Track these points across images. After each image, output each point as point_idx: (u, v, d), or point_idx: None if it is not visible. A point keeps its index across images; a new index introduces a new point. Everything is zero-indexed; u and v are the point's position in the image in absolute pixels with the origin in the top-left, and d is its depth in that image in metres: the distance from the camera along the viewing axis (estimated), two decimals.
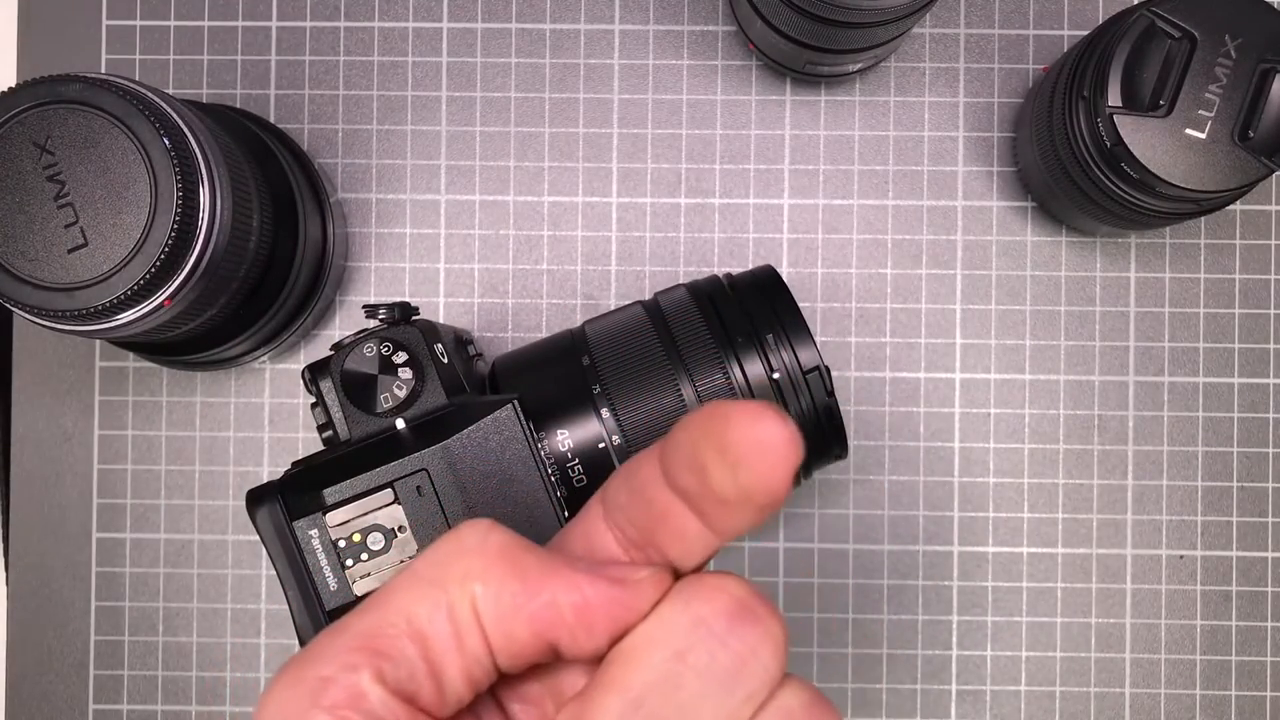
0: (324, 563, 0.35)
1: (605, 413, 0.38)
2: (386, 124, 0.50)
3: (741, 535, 0.23)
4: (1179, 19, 0.39)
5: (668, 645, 0.21)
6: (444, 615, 0.22)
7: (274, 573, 0.42)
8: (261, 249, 0.42)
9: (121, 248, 0.36)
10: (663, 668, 0.21)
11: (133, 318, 0.37)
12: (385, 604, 0.22)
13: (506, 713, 0.24)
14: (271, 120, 0.49)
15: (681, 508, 0.22)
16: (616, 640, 0.22)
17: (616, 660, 0.22)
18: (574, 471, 0.38)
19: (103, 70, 0.50)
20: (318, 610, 0.35)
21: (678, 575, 0.23)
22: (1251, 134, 0.39)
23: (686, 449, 0.21)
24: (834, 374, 0.49)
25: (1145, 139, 0.40)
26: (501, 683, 0.24)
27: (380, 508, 0.35)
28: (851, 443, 0.48)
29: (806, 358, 0.39)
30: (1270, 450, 0.49)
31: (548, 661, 0.23)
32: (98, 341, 0.50)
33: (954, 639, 0.49)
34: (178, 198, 0.35)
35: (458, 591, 0.22)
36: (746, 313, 0.39)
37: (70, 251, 0.36)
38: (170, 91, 0.48)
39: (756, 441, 0.20)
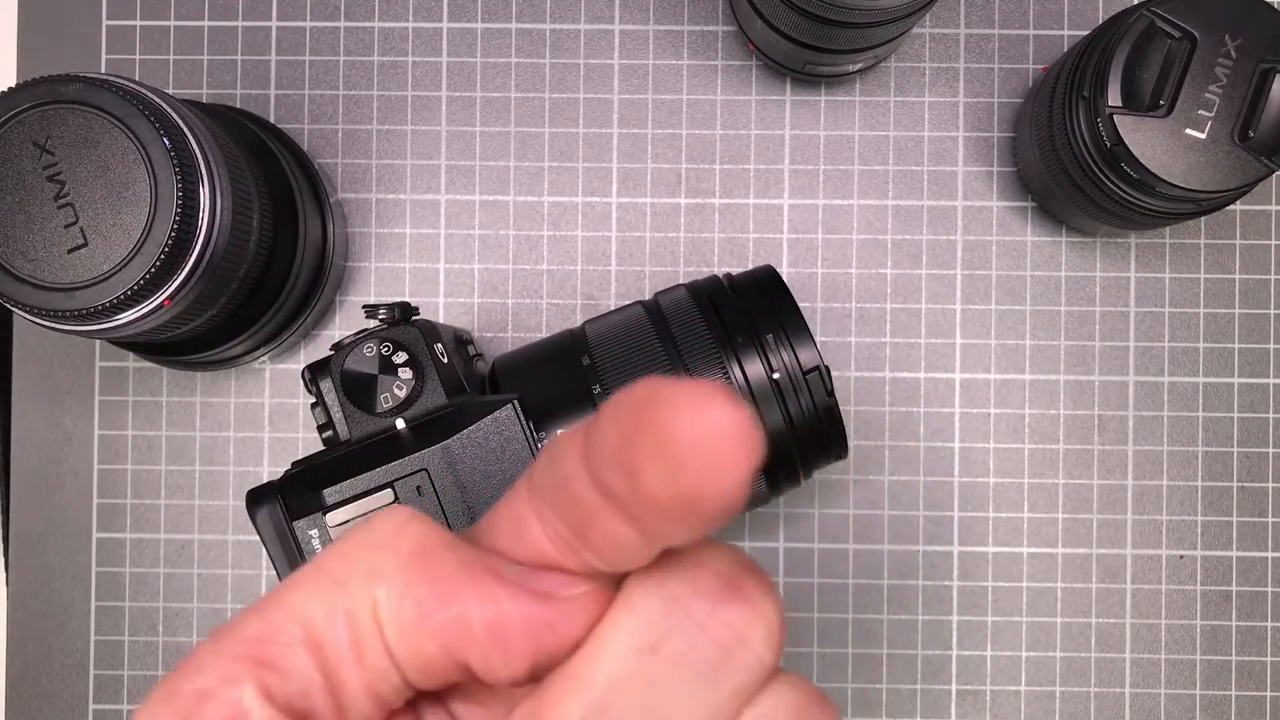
0: None
1: None
2: (386, 124, 0.50)
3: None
4: (1179, 19, 0.39)
5: (637, 634, 0.18)
6: (342, 621, 0.19)
7: (274, 573, 0.42)
8: (261, 249, 0.42)
9: (121, 248, 0.36)
10: (632, 662, 0.18)
11: (133, 318, 0.37)
12: (279, 603, 0.19)
13: (452, 714, 0.21)
14: (271, 120, 0.49)
15: (611, 510, 0.17)
16: (540, 667, 0.19)
17: (578, 652, 0.19)
18: None
19: (103, 70, 0.50)
20: None
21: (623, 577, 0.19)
22: (1251, 134, 0.39)
23: (613, 442, 0.16)
24: (834, 374, 0.49)
25: (1145, 139, 0.40)
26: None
27: (380, 508, 0.35)
28: (851, 443, 0.48)
29: (806, 358, 0.39)
30: (1270, 450, 0.49)
31: (466, 680, 0.20)
32: (98, 341, 0.50)
33: (954, 639, 0.49)
34: (178, 198, 0.35)
35: (360, 593, 0.19)
36: (746, 313, 0.39)
37: (70, 251, 0.36)
38: (170, 91, 0.48)
39: (702, 435, 0.15)
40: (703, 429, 0.15)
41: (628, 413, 0.16)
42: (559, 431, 0.18)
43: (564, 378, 0.39)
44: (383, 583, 0.19)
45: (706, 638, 0.18)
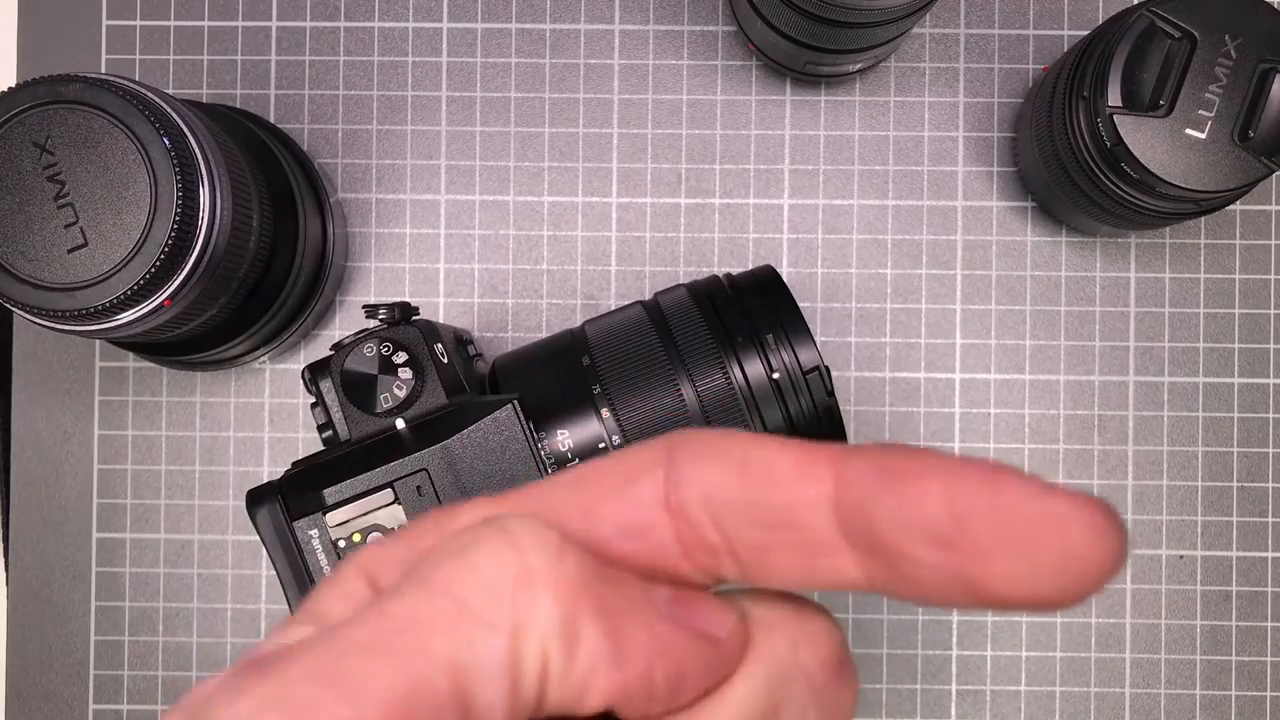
0: (324, 563, 0.35)
1: (605, 413, 0.38)
2: (386, 124, 0.50)
3: None
4: (1179, 19, 0.39)
5: (764, 693, 0.18)
6: (503, 675, 0.16)
7: (274, 573, 0.42)
8: (261, 249, 0.42)
9: (121, 248, 0.36)
10: (755, 716, 0.18)
11: (133, 318, 0.37)
12: (416, 647, 0.16)
13: None
14: (271, 120, 0.49)
15: (847, 554, 0.17)
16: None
17: (708, 698, 0.18)
18: None
19: (103, 70, 0.50)
20: None
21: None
22: (1251, 134, 0.39)
23: (939, 513, 0.16)
24: (834, 374, 0.49)
25: (1145, 139, 0.40)
26: None
27: (380, 508, 0.35)
28: (852, 443, 0.48)
29: (806, 358, 0.39)
30: (1270, 450, 0.49)
31: None
32: (98, 341, 0.50)
33: (954, 639, 0.49)
34: (178, 198, 0.35)
35: (529, 645, 0.16)
36: (746, 313, 0.39)
37: (70, 251, 0.36)
38: (170, 91, 0.48)
39: (1092, 561, 0.15)
40: (1095, 555, 0.15)
41: (980, 494, 0.16)
42: (708, 433, 0.17)
43: (564, 378, 0.39)
44: (555, 634, 0.16)
45: (817, 710, 0.18)
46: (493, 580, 0.17)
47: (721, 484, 0.18)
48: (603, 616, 0.17)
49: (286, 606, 0.43)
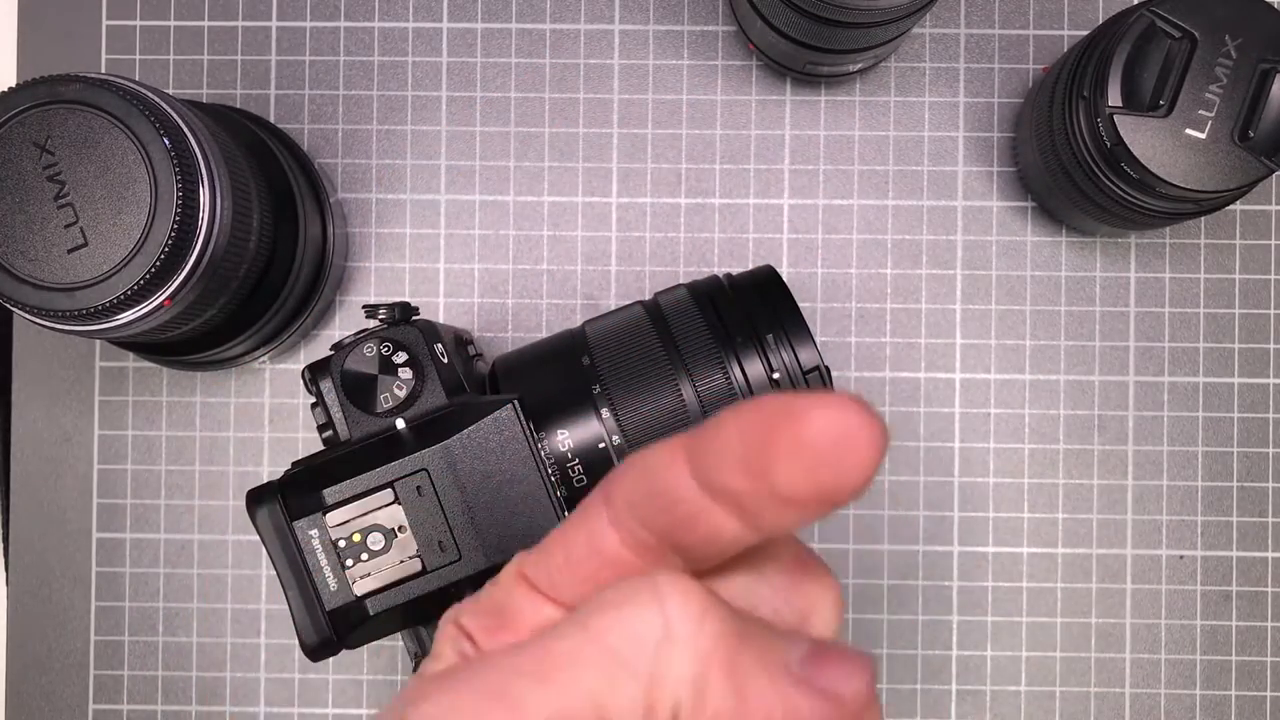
0: (324, 563, 0.35)
1: (605, 413, 0.38)
2: (386, 124, 0.50)
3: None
4: (1179, 19, 0.39)
5: None
6: (637, 712, 0.19)
7: (274, 573, 0.42)
8: (261, 249, 0.42)
9: (121, 248, 0.36)
10: None
11: (133, 318, 0.37)
12: (575, 679, 0.19)
13: None
14: (271, 120, 0.49)
15: (717, 510, 0.20)
16: None
17: None
18: (574, 471, 0.38)
19: (103, 70, 0.50)
20: (318, 610, 0.35)
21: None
22: (1251, 134, 0.39)
23: (738, 449, 0.19)
24: (834, 374, 0.49)
25: (1145, 139, 0.40)
26: None
27: (380, 508, 0.35)
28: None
29: (806, 358, 0.39)
30: (1270, 450, 0.49)
31: None
32: (98, 341, 0.50)
33: (954, 639, 0.49)
34: (178, 198, 0.35)
35: (663, 695, 0.19)
36: (746, 313, 0.39)
37: (70, 251, 0.36)
38: (170, 91, 0.48)
39: (841, 438, 0.18)
40: (840, 432, 0.18)
41: (757, 422, 0.18)
42: (634, 452, 0.21)
43: (564, 378, 0.39)
44: (688, 688, 0.19)
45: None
46: (639, 634, 0.19)
47: (632, 487, 0.21)
48: (733, 676, 0.19)
49: (287, 607, 0.43)
